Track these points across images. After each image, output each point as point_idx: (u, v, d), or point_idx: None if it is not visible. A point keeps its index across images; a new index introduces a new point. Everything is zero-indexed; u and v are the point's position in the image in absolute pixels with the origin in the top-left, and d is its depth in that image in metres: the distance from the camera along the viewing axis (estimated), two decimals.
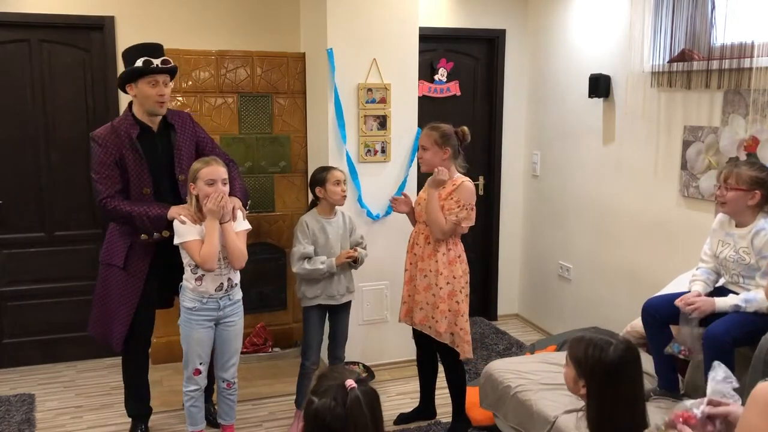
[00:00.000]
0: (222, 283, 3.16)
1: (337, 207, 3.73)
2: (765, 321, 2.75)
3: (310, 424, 1.55)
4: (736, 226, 2.95)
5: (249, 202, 3.48)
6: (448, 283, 3.38)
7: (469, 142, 3.48)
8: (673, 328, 3.11)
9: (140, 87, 3.18)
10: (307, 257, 3.60)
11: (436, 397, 3.82)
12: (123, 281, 3.31)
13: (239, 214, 3.22)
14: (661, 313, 3.04)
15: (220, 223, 3.09)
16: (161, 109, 3.25)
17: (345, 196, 3.63)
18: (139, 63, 3.14)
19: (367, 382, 1.64)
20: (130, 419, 3.61)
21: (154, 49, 3.21)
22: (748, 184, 2.84)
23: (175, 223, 3.11)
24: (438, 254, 3.38)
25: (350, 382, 1.57)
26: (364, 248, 3.77)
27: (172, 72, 3.26)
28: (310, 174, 4.59)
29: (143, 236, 3.23)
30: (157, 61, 3.17)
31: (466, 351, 3.43)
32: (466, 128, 3.46)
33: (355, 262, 3.66)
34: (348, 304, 3.77)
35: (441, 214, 3.32)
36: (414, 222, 3.63)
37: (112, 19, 4.34)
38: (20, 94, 4.30)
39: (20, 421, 3.74)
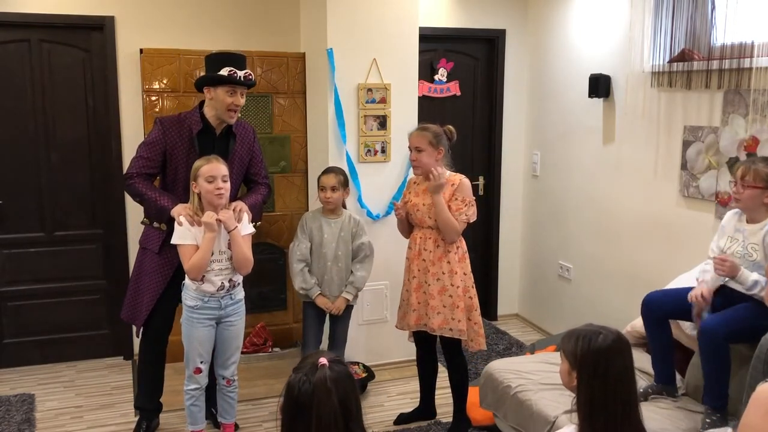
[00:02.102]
0: (223, 283, 3.17)
1: (345, 210, 3.75)
2: (760, 318, 2.75)
3: (284, 397, 1.62)
4: (748, 221, 2.94)
5: (259, 223, 3.54)
6: (461, 280, 3.40)
7: (455, 140, 3.48)
8: (673, 323, 3.11)
9: (218, 93, 3.28)
10: (305, 263, 3.63)
11: (436, 397, 3.82)
12: (156, 265, 3.38)
13: (245, 216, 3.24)
14: (662, 308, 3.04)
15: (228, 231, 3.10)
16: (232, 118, 3.34)
17: (329, 201, 3.63)
18: (224, 71, 3.24)
19: (342, 362, 1.65)
20: (134, 417, 3.65)
21: (240, 61, 3.33)
22: (766, 182, 2.83)
23: (175, 223, 3.12)
24: (450, 255, 3.39)
25: (322, 360, 1.60)
26: (362, 260, 3.73)
27: (251, 86, 3.38)
28: (310, 174, 4.62)
29: (144, 220, 3.38)
30: (241, 74, 3.28)
31: (480, 344, 3.47)
32: (452, 127, 3.47)
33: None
34: (346, 309, 3.76)
35: (453, 218, 3.32)
36: (406, 230, 3.60)
37: (112, 19, 4.34)
38: (20, 94, 4.29)
39: (20, 421, 3.74)
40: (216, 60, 3.32)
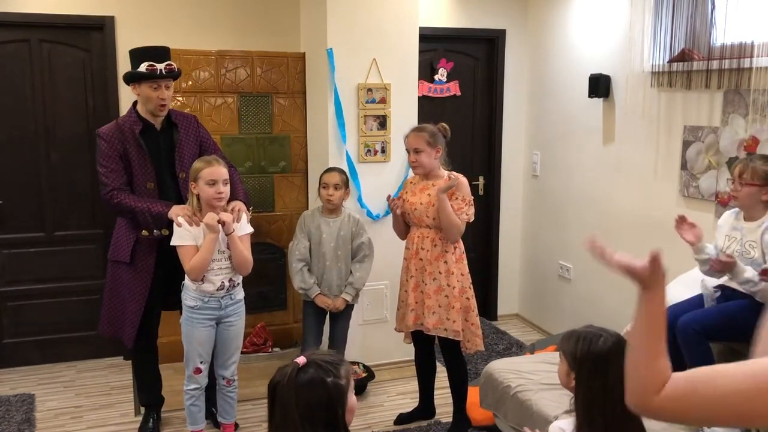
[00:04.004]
0: (223, 283, 3.17)
1: (345, 209, 3.75)
2: (737, 315, 2.76)
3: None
4: (745, 219, 2.94)
5: (251, 208, 3.52)
6: (458, 281, 3.40)
7: (449, 137, 3.48)
8: None
9: (143, 89, 3.28)
10: (305, 262, 3.63)
11: (435, 396, 3.82)
12: (131, 277, 3.36)
13: (243, 217, 3.24)
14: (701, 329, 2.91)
15: (226, 234, 3.11)
16: (162, 111, 3.34)
17: (331, 200, 3.63)
18: (143, 67, 3.23)
19: (320, 366, 1.64)
20: (134, 417, 3.69)
21: (160, 54, 3.31)
22: (763, 179, 2.84)
23: (174, 224, 3.12)
24: (447, 254, 3.39)
25: (300, 359, 1.63)
26: (361, 259, 3.73)
27: (174, 77, 3.36)
28: (310, 174, 4.62)
29: (144, 232, 3.31)
30: (161, 66, 3.27)
31: (477, 344, 3.47)
32: (445, 124, 3.47)
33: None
34: (346, 308, 3.76)
35: (456, 218, 3.32)
36: (402, 230, 3.60)
37: (112, 19, 4.34)
38: (20, 94, 4.29)
39: (20, 421, 3.74)
40: (136, 55, 3.29)
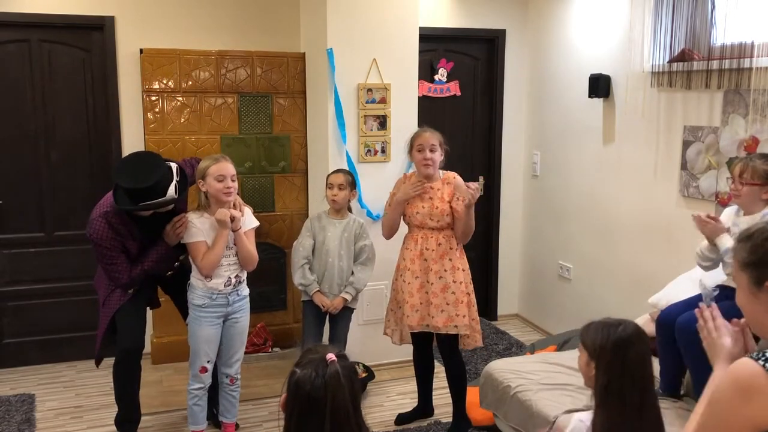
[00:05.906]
0: (230, 278, 3.21)
1: (350, 214, 3.77)
2: (736, 315, 2.76)
3: (292, 393, 1.61)
4: (744, 215, 2.96)
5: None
6: (462, 276, 3.43)
7: None
8: None
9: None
10: (307, 260, 3.64)
11: (435, 396, 3.82)
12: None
13: (247, 211, 3.26)
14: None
15: (233, 231, 3.13)
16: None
17: (336, 200, 3.64)
18: (139, 205, 3.04)
19: (347, 357, 1.67)
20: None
21: (148, 193, 3.02)
22: (763, 178, 2.86)
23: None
24: (451, 251, 3.42)
25: (330, 356, 1.62)
26: (364, 262, 3.72)
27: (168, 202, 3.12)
28: (310, 174, 4.63)
29: (168, 273, 3.38)
30: (152, 205, 3.05)
31: (477, 340, 3.49)
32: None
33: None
34: (346, 309, 3.76)
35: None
36: (395, 227, 3.59)
37: (112, 19, 4.34)
38: (20, 94, 4.29)
39: (20, 421, 3.74)
40: (126, 190, 3.06)
